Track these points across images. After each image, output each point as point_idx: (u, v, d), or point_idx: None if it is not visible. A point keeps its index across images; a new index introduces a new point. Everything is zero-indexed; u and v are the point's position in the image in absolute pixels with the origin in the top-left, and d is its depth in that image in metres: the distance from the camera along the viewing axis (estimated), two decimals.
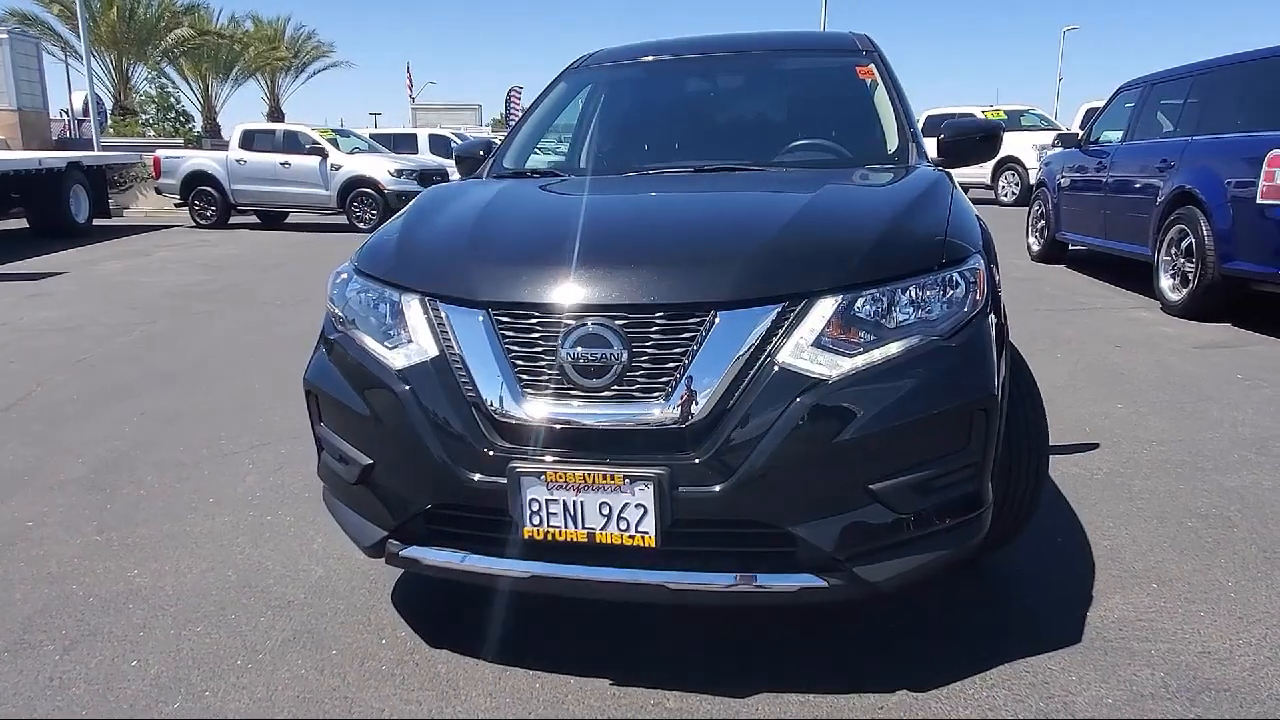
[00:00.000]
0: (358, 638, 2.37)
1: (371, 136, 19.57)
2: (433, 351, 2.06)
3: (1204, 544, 2.83)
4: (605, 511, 1.90)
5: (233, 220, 16.41)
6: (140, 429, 4.27)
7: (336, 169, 15.60)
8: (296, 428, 4.20)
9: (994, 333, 2.09)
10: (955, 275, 2.05)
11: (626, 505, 1.89)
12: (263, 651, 2.32)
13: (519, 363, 1.99)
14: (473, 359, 2.01)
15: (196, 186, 15.88)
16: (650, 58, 3.74)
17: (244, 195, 16.02)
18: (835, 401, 1.87)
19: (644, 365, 1.92)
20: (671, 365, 1.91)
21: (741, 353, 1.89)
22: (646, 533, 1.89)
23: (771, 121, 3.45)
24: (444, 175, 17.48)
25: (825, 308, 1.93)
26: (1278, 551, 2.76)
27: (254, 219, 16.87)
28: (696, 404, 1.88)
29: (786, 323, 1.92)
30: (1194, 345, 5.79)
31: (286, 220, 16.98)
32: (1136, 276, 8.12)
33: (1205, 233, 6.34)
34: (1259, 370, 5.09)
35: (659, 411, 1.90)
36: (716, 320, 1.91)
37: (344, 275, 2.43)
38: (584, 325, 1.94)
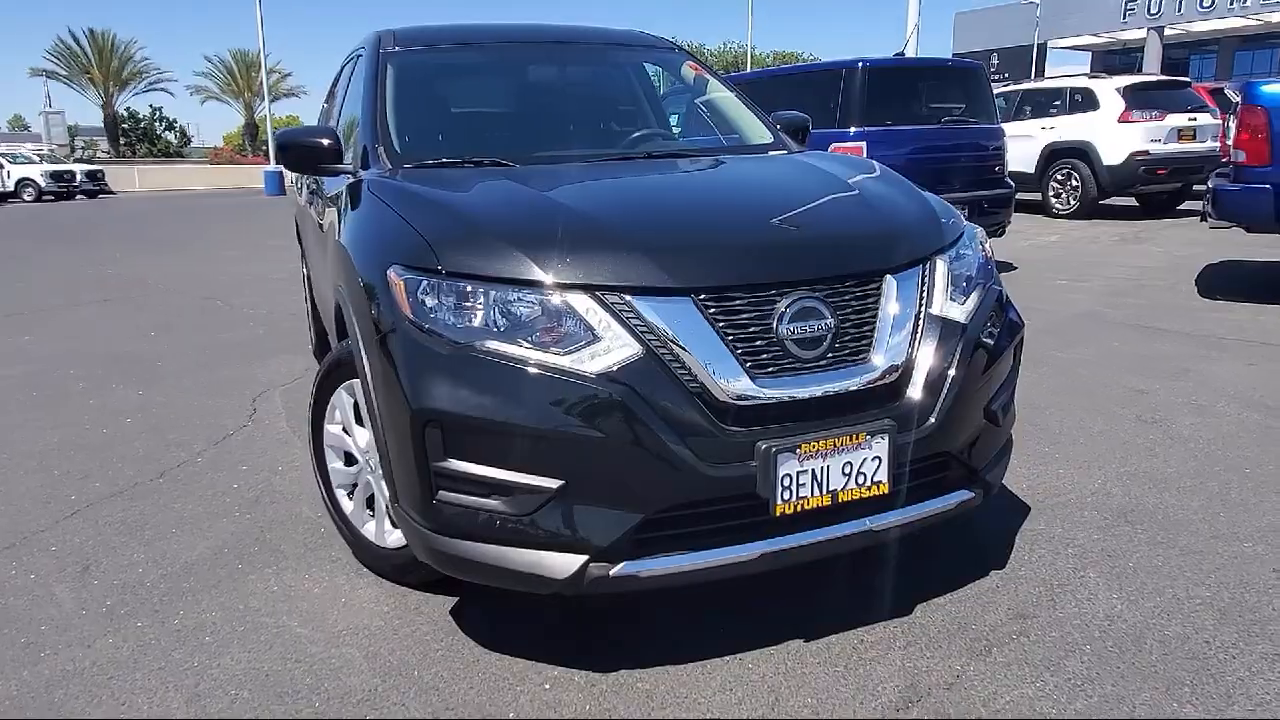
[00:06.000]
0: (517, 701, 2.06)
1: None
2: (634, 347, 1.93)
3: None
4: (847, 470, 2.03)
5: None
6: None
7: None
8: (53, 511, 3.11)
9: None
10: (972, 236, 2.57)
11: (865, 459, 2.04)
12: None
13: (737, 345, 1.98)
14: (692, 347, 1.95)
15: None
16: (489, 43, 3.56)
17: None
18: (977, 340, 2.27)
19: (848, 330, 2.09)
20: (867, 327, 2.11)
21: (914, 309, 2.18)
22: (881, 481, 2.07)
23: (640, 111, 3.59)
24: None
25: (942, 266, 2.30)
26: (1052, 430, 3.84)
27: None
28: (898, 357, 2.12)
29: (926, 280, 2.25)
30: None
31: None
32: None
33: None
34: None
35: (874, 369, 2.08)
36: (891, 283, 2.16)
37: (401, 281, 2.05)
38: (797, 300, 2.02)
